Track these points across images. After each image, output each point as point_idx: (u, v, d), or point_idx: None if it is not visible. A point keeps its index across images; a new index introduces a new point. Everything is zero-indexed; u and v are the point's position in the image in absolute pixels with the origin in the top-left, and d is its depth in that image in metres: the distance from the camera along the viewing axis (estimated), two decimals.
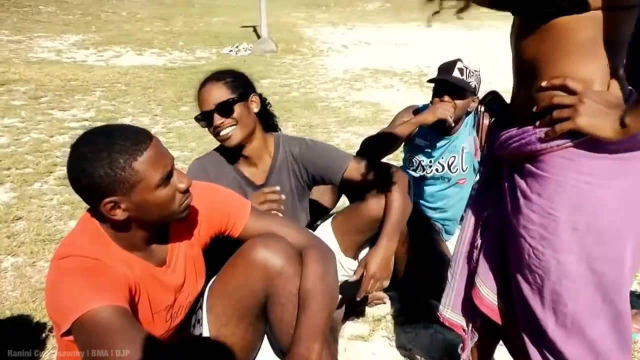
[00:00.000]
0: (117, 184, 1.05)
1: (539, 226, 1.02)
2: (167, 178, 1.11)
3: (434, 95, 2.25)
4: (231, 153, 1.75)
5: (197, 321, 1.37)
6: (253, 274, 1.29)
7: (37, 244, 2.50)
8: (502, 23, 12.41)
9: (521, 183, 1.06)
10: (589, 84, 0.96)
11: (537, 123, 1.00)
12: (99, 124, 4.90)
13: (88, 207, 1.15)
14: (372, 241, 1.79)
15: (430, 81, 2.26)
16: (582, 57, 0.95)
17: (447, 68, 2.19)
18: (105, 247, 1.13)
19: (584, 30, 0.93)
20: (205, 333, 1.33)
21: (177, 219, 1.21)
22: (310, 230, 1.54)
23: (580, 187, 0.97)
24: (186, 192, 1.17)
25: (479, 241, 1.26)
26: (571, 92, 0.96)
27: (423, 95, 5.92)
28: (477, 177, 2.46)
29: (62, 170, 3.56)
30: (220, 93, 1.64)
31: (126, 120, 4.90)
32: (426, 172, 2.38)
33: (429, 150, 2.36)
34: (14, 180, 3.31)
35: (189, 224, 1.31)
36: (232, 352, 1.34)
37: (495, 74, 6.69)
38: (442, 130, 2.28)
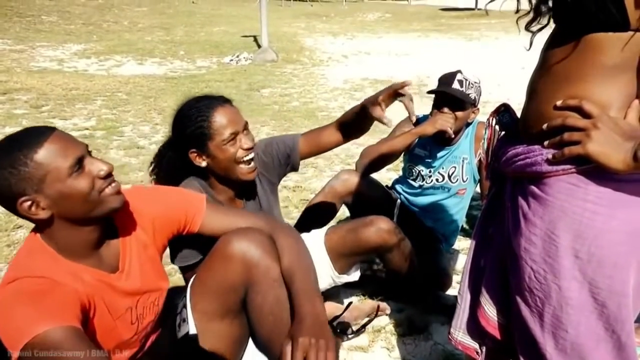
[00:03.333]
0: (25, 182, 1.02)
1: (540, 250, 0.99)
2: (77, 165, 1.06)
3: (433, 107, 2.26)
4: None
5: (182, 320, 1.37)
6: (231, 267, 1.29)
7: None
8: (502, 34, 12.49)
9: (523, 204, 1.03)
10: (606, 108, 0.91)
11: (546, 143, 0.96)
12: (99, 132, 4.92)
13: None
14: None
15: (430, 92, 2.27)
16: (606, 79, 0.91)
17: (447, 79, 2.19)
18: (51, 262, 1.10)
19: (615, 51, 0.88)
20: (192, 331, 1.33)
21: (109, 210, 1.14)
22: (269, 215, 1.57)
23: (584, 215, 0.93)
24: (107, 177, 1.12)
25: (483, 259, 1.24)
26: (586, 115, 0.91)
27: (423, 105, 5.90)
28: (477, 187, 2.48)
29: None
30: (240, 115, 1.61)
31: (127, 129, 4.91)
32: (426, 182, 2.38)
33: (429, 160, 2.36)
34: None
35: (139, 226, 1.29)
36: (219, 348, 1.35)
37: (495, 84, 6.73)
38: (442, 140, 2.29)
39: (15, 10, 14.52)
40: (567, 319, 0.97)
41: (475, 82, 2.21)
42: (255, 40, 11.29)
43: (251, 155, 1.60)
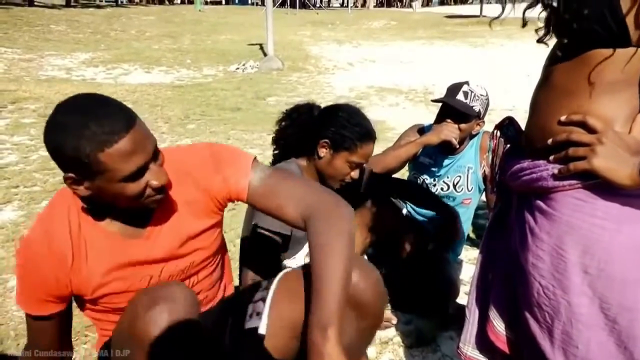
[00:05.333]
0: (80, 167, 1.00)
1: (549, 265, 0.98)
2: (137, 174, 1.03)
3: (438, 117, 2.26)
4: None
5: (255, 313, 1.27)
6: None
7: None
8: (506, 41, 12.49)
9: (530, 219, 1.02)
10: (611, 123, 0.91)
11: (551, 158, 0.96)
12: None
13: None
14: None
15: (434, 101, 2.27)
16: (609, 94, 0.91)
17: (452, 90, 2.19)
18: (70, 217, 1.13)
19: (617, 67, 0.88)
20: (262, 330, 1.22)
21: (143, 207, 1.12)
22: (326, 189, 1.28)
23: (591, 230, 0.92)
24: (159, 190, 1.08)
25: (490, 274, 1.23)
26: (590, 130, 0.91)
27: (429, 113, 5.93)
28: (483, 196, 2.47)
29: None
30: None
31: None
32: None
33: (434, 169, 2.35)
34: (22, 199, 3.33)
35: (182, 195, 1.20)
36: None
37: (502, 91, 6.73)
38: (447, 149, 2.28)
39: (25, 19, 14.69)
40: (578, 335, 0.96)
41: (481, 95, 2.19)
42: (261, 48, 11.36)
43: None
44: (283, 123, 1.84)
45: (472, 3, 39.11)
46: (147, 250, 1.17)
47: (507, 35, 12.62)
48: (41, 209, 3.17)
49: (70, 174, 1.02)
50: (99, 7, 23.58)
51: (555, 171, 0.95)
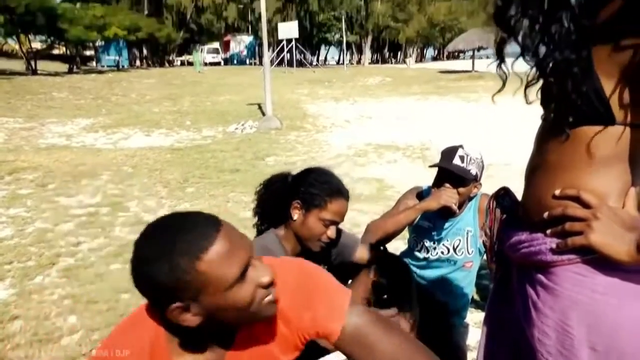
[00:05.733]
0: (182, 290, 0.89)
1: (555, 341, 0.96)
2: (241, 276, 0.93)
3: (435, 181, 2.25)
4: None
5: None
6: None
7: (34, 345, 2.42)
8: (498, 97, 12.73)
9: (532, 293, 1.01)
10: (605, 198, 0.92)
11: (549, 232, 0.97)
12: (105, 209, 4.91)
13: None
14: None
15: (432, 166, 2.27)
16: (601, 169, 0.92)
17: (448, 155, 2.19)
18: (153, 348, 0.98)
19: (607, 143, 0.90)
20: None
21: (261, 318, 1.00)
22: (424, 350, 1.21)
23: (595, 306, 0.91)
24: (269, 286, 0.98)
25: (496, 345, 1.20)
26: (585, 205, 0.92)
27: (426, 170, 5.96)
28: (482, 258, 2.42)
29: (65, 262, 3.55)
30: None
31: (132, 204, 4.93)
32: (431, 255, 2.34)
33: (433, 233, 2.33)
34: (14, 275, 3.27)
35: (267, 327, 1.08)
36: None
37: (496, 148, 6.78)
38: (446, 213, 2.26)
39: (28, 88, 15.08)
40: None
41: (476, 158, 2.21)
42: (260, 108, 11.58)
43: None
44: (260, 194, 1.87)
45: (464, 58, 40.30)
46: None
47: (500, 92, 12.85)
48: (34, 285, 3.11)
49: (174, 305, 0.91)
50: (100, 72, 24.33)
51: (554, 245, 0.95)
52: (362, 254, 1.94)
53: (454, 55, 42.93)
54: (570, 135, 0.92)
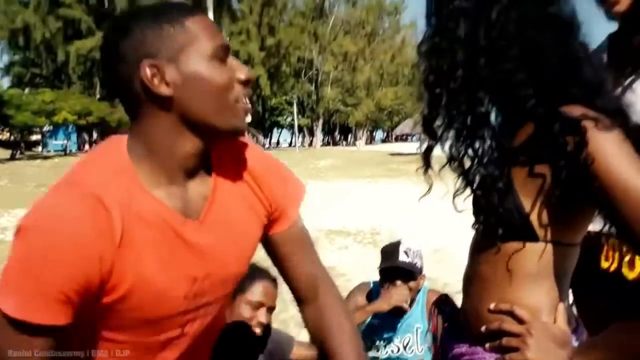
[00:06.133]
0: (163, 41, 0.84)
1: None
2: (223, 54, 0.89)
3: (383, 280, 2.23)
4: None
5: None
6: None
7: None
8: (449, 180, 13.25)
9: None
10: (536, 312, 0.95)
11: (487, 346, 0.98)
12: None
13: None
14: None
15: (382, 270, 2.26)
16: (531, 284, 0.96)
17: (392, 253, 2.21)
18: (118, 178, 0.85)
19: (532, 259, 0.94)
20: None
21: (232, 128, 0.92)
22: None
23: None
24: (246, 84, 0.92)
25: None
26: (519, 320, 0.95)
27: (377, 255, 5.94)
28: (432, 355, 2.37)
29: None
30: None
31: None
32: (381, 354, 2.29)
33: (383, 332, 2.28)
34: None
35: (243, 180, 1.01)
36: None
37: (446, 233, 6.89)
38: (396, 312, 2.23)
39: None
40: None
41: (417, 250, 2.28)
42: None
43: None
44: None
45: (412, 140, 42.18)
46: (198, 235, 0.92)
47: (450, 176, 13.39)
48: None
49: (149, 60, 0.84)
50: (46, 157, 23.75)
51: None
52: (300, 351, 1.90)
53: (402, 138, 44.89)
54: (499, 250, 0.95)
